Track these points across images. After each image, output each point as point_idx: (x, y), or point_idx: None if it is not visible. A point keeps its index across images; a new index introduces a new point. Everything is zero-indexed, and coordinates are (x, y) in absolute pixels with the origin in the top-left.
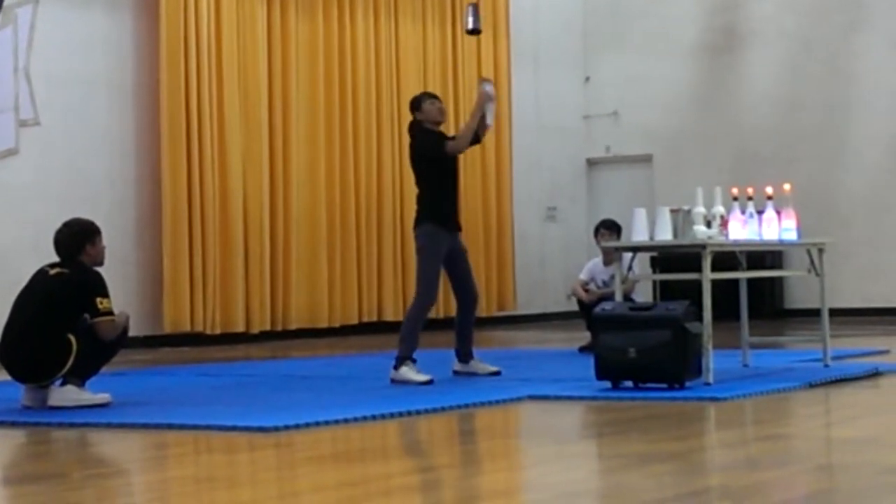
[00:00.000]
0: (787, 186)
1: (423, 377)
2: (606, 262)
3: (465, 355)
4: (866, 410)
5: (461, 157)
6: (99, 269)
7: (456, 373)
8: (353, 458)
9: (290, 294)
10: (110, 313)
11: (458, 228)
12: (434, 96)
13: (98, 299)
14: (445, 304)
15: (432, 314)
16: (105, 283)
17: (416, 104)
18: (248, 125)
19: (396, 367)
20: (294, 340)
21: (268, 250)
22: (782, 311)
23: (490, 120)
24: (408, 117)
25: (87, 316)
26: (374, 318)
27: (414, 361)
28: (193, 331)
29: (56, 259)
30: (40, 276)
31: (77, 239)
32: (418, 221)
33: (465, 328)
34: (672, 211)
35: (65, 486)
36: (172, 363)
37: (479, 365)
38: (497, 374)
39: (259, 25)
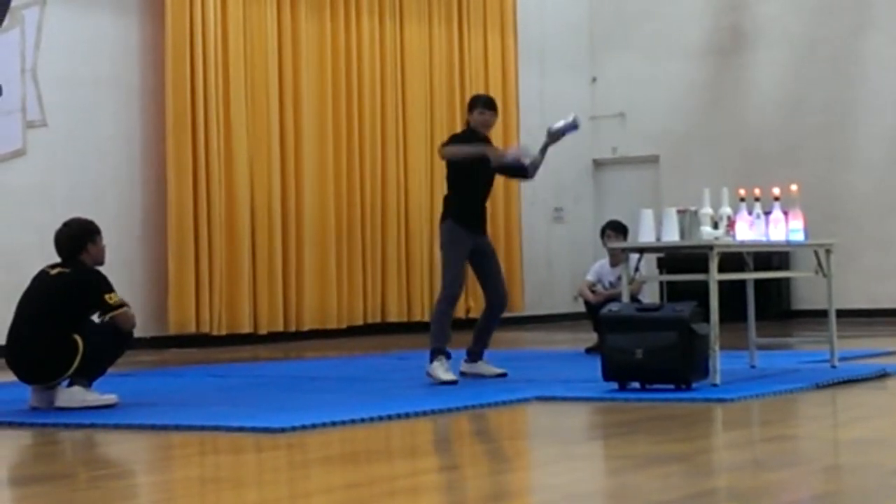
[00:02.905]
0: (794, 187)
1: (447, 376)
2: (613, 263)
3: (474, 355)
4: (874, 411)
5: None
6: (100, 268)
7: (463, 374)
8: (360, 459)
9: (298, 295)
10: (122, 305)
11: (481, 231)
12: (488, 107)
13: (106, 296)
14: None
15: (459, 313)
16: (108, 279)
17: (469, 106)
18: (255, 126)
19: (430, 361)
20: (301, 342)
21: (278, 251)
22: (789, 312)
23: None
24: (412, 119)
25: (96, 314)
26: (378, 320)
27: (448, 357)
28: (199, 332)
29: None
30: (42, 277)
31: (78, 238)
32: (442, 219)
33: (484, 329)
34: (679, 212)
35: (72, 487)
36: (179, 364)
37: (486, 367)
38: (503, 376)
39: (265, 27)
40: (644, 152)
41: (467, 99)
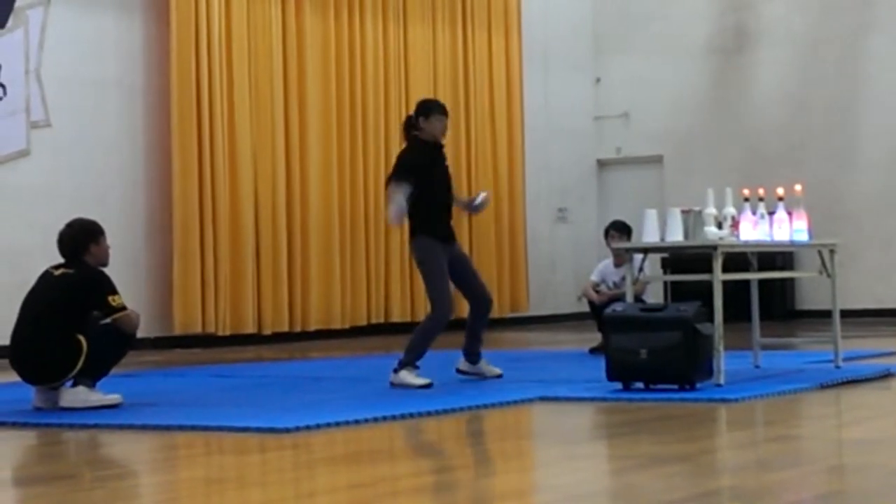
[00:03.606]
0: (798, 187)
1: (422, 381)
2: (617, 264)
3: (473, 356)
4: (877, 412)
5: (456, 164)
6: (105, 268)
7: (460, 371)
8: (364, 460)
9: (303, 295)
10: (124, 308)
11: (454, 239)
12: (445, 112)
13: (110, 297)
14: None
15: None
16: (111, 280)
17: (425, 112)
18: (259, 126)
19: (397, 371)
20: (305, 342)
21: (283, 252)
22: (793, 312)
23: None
24: None
25: (96, 314)
26: (382, 320)
27: (416, 368)
28: (204, 332)
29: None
30: (46, 278)
31: (81, 239)
32: (412, 233)
33: (476, 330)
34: (683, 212)
35: (76, 488)
36: (183, 364)
37: (487, 367)
38: (500, 376)
39: (269, 26)
40: (648, 152)
41: (471, 100)
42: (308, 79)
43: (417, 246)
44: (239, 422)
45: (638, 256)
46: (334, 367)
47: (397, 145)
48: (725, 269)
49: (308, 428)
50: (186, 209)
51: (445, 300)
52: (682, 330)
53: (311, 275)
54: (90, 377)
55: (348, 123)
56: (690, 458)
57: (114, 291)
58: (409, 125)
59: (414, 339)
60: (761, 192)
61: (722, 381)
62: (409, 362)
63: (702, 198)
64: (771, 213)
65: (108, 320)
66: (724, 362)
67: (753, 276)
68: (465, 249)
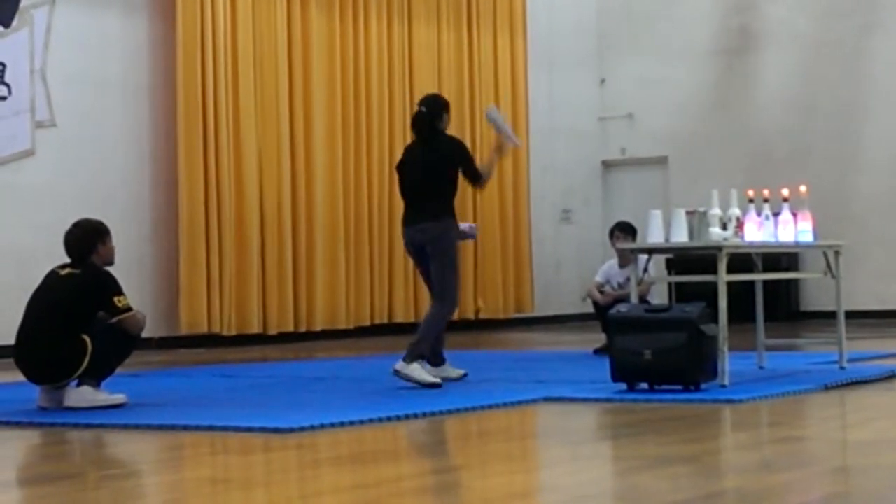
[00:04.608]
0: (803, 188)
1: (433, 379)
2: (622, 264)
3: (439, 357)
4: (882, 413)
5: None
6: (110, 268)
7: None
8: (368, 460)
9: (308, 295)
10: (129, 309)
11: None
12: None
13: (115, 298)
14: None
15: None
16: (117, 281)
17: (444, 108)
18: (264, 126)
19: (407, 362)
20: (310, 342)
21: (288, 252)
22: (798, 314)
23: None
24: None
25: (102, 314)
26: (385, 320)
27: (426, 361)
28: (210, 332)
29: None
30: (52, 278)
31: (88, 239)
32: (438, 216)
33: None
34: (688, 213)
35: (80, 487)
36: (188, 364)
37: (450, 369)
38: (465, 376)
39: (275, 26)
40: (652, 153)
41: (476, 101)
42: (313, 79)
43: (447, 230)
44: (244, 422)
45: (642, 257)
46: (339, 367)
47: (402, 145)
48: (730, 270)
49: (313, 428)
50: (192, 209)
51: (457, 291)
52: (686, 331)
53: (317, 275)
54: (95, 377)
55: (353, 124)
56: (695, 459)
57: (120, 292)
58: (432, 121)
59: (424, 331)
60: (766, 193)
61: (726, 382)
62: (420, 354)
63: (706, 199)
64: (776, 214)
65: (113, 321)
66: (728, 363)
67: (758, 277)
68: (470, 249)
